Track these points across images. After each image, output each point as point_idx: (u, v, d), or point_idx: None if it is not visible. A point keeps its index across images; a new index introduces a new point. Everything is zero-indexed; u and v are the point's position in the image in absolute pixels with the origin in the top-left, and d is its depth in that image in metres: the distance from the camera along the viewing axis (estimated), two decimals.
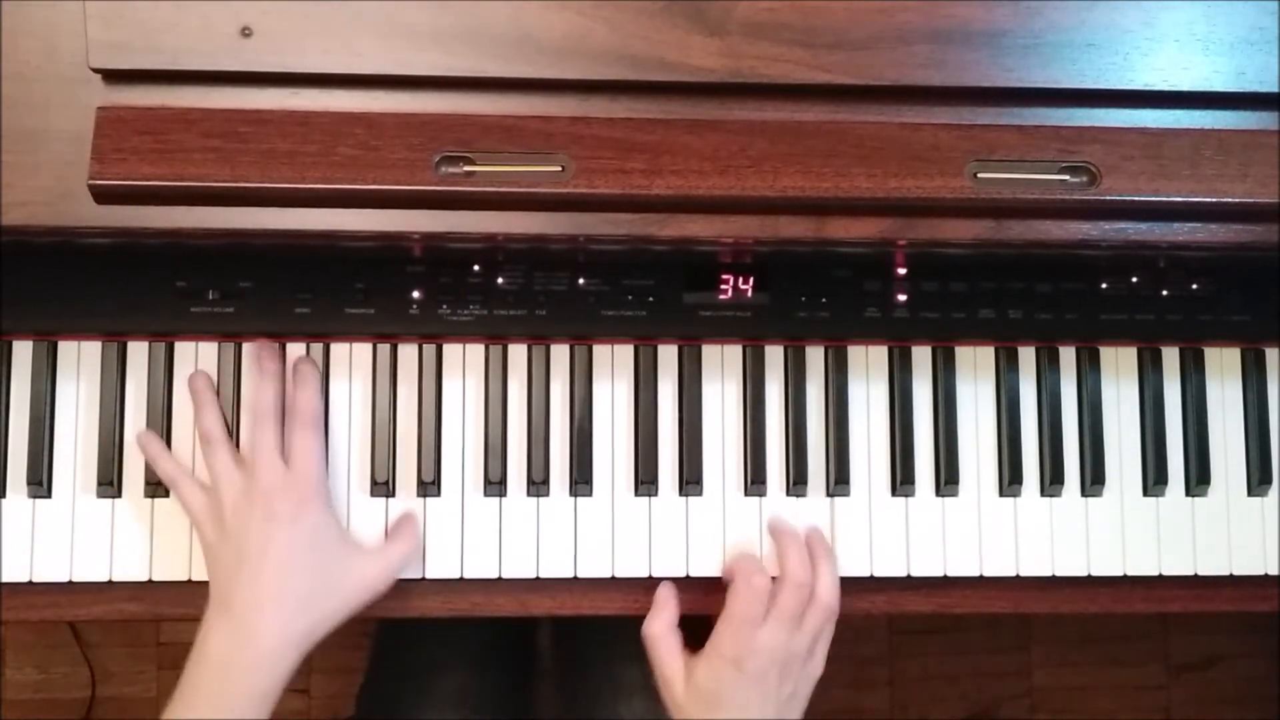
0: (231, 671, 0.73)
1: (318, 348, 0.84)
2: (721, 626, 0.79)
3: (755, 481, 0.86)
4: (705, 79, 0.76)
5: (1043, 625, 1.70)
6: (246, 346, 0.84)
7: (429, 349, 0.85)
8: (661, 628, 0.81)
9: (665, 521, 0.85)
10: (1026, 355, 0.89)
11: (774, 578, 0.81)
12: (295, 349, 0.84)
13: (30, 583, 0.81)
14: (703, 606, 0.83)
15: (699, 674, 0.78)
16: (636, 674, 0.96)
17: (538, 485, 0.85)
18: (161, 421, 0.83)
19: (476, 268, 0.84)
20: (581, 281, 0.84)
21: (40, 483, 0.82)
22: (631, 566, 0.85)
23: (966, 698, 1.69)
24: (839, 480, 0.86)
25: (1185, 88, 0.78)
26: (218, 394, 0.83)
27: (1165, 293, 0.88)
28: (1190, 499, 0.89)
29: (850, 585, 0.86)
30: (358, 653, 1.07)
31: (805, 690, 0.80)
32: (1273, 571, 0.88)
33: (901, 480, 0.87)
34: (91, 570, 0.82)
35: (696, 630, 0.81)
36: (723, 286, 0.85)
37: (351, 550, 0.80)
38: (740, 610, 0.78)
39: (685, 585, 0.84)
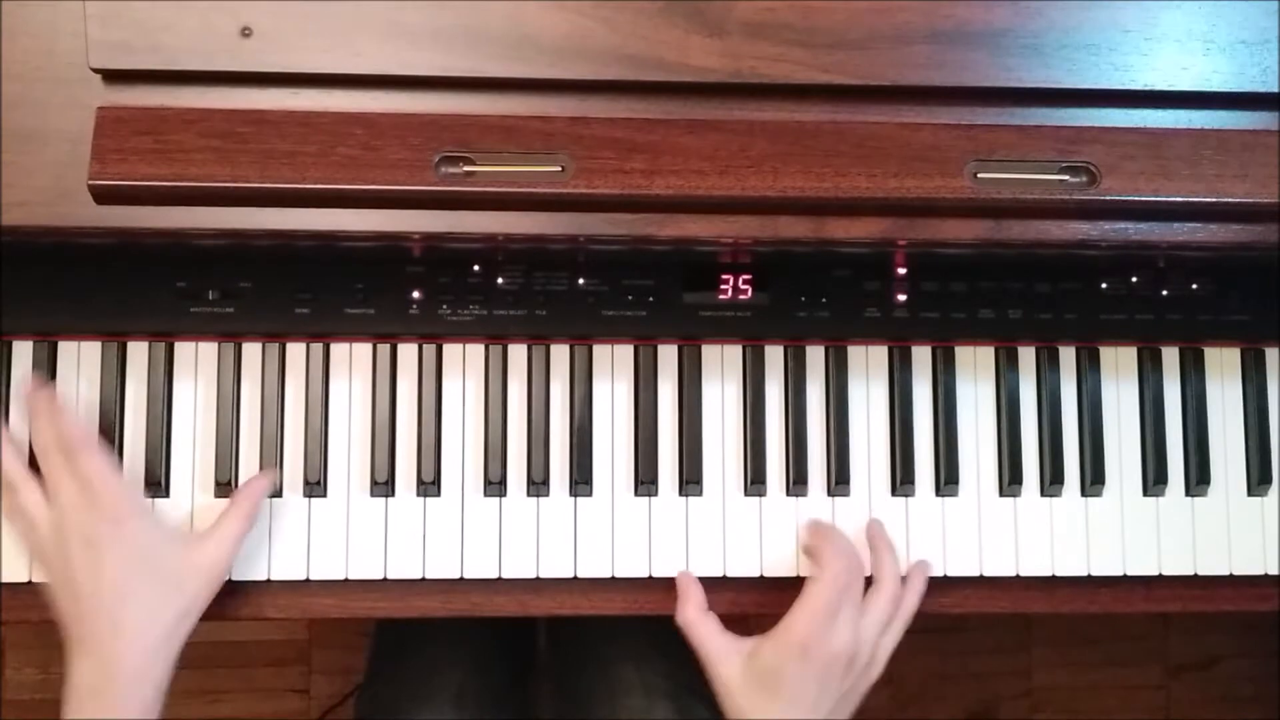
0: (106, 700, 0.72)
1: (318, 348, 0.84)
2: (797, 611, 0.77)
3: (755, 481, 0.86)
4: (705, 79, 0.76)
5: (1043, 625, 1.70)
6: (247, 347, 0.84)
7: (429, 349, 0.85)
8: (695, 612, 0.81)
9: (665, 521, 0.85)
10: (1026, 355, 0.89)
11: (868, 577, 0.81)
12: (295, 349, 0.84)
13: (30, 583, 0.81)
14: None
15: (764, 653, 0.77)
16: (634, 674, 0.96)
17: (538, 485, 0.85)
18: (162, 421, 0.83)
19: (476, 268, 0.84)
20: (581, 281, 0.84)
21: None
22: (631, 566, 0.85)
23: (966, 698, 1.69)
24: (839, 480, 0.86)
25: (1185, 88, 0.78)
26: (216, 393, 0.83)
27: (1165, 292, 0.88)
28: (1190, 499, 0.89)
29: None
30: (357, 653, 1.07)
31: (863, 687, 0.80)
32: (1272, 571, 0.88)
33: (901, 480, 0.87)
34: None
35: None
36: (723, 286, 0.85)
37: (183, 543, 0.78)
38: (819, 599, 0.77)
39: None
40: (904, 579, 0.84)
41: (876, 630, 0.80)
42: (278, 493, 0.83)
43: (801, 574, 0.85)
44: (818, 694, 0.76)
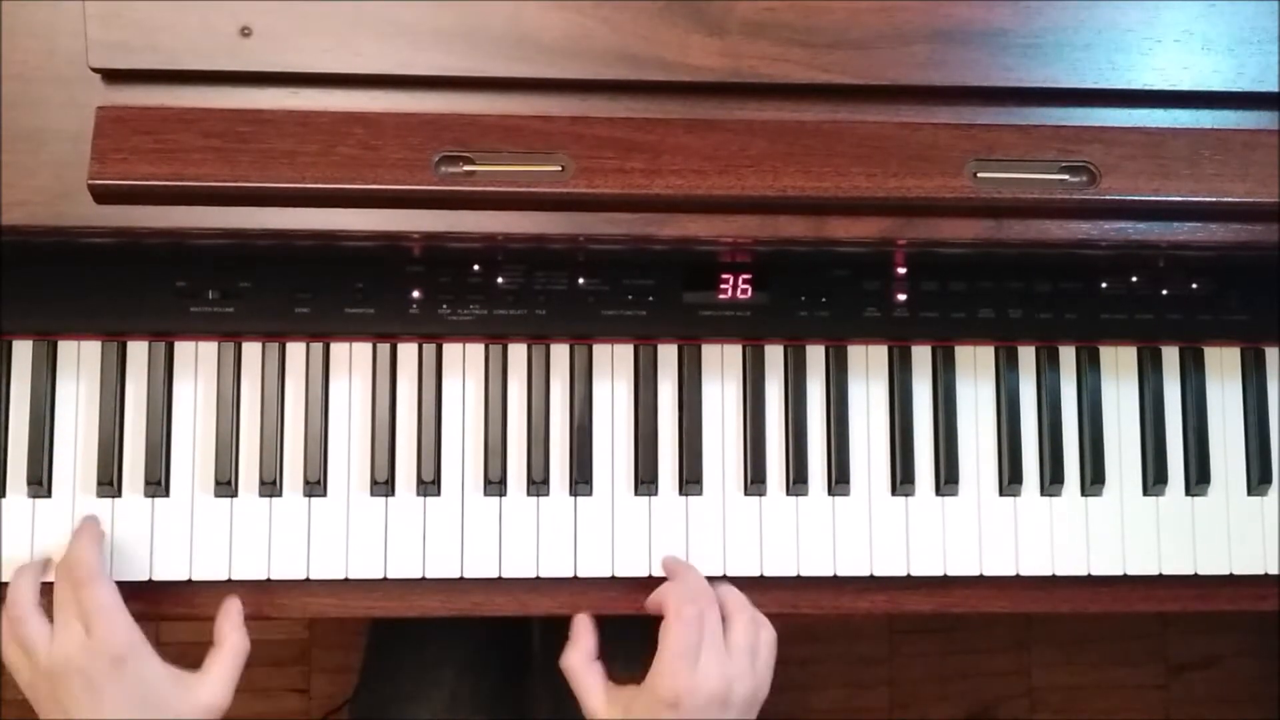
0: None
1: (318, 347, 0.84)
2: (657, 665, 0.76)
3: (755, 481, 0.86)
4: (705, 79, 0.76)
5: (1043, 625, 1.70)
6: (247, 347, 0.84)
7: (429, 349, 0.85)
8: (580, 659, 0.80)
9: (665, 521, 0.85)
10: (1026, 355, 0.89)
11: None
12: (295, 348, 0.84)
13: None
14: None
15: (635, 715, 0.76)
16: (630, 675, 0.96)
17: (538, 485, 0.85)
18: (161, 421, 0.83)
19: (476, 267, 0.84)
20: (581, 281, 0.84)
21: (40, 482, 0.82)
22: (631, 566, 0.85)
23: (966, 698, 1.69)
24: (839, 480, 0.86)
25: (1185, 88, 0.79)
26: (216, 393, 0.83)
27: (1165, 292, 0.88)
28: (1190, 498, 0.89)
29: (850, 585, 0.86)
30: (357, 653, 1.07)
31: (750, 716, 0.78)
32: (1272, 571, 0.88)
33: (901, 480, 0.87)
34: None
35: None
36: (723, 286, 0.85)
37: (182, 685, 0.75)
38: (673, 646, 0.75)
39: None
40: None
41: (746, 658, 0.77)
42: (278, 492, 0.83)
43: (802, 574, 0.85)
44: None
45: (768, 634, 0.80)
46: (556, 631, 0.99)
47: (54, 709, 0.73)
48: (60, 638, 0.73)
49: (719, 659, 0.76)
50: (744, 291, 0.85)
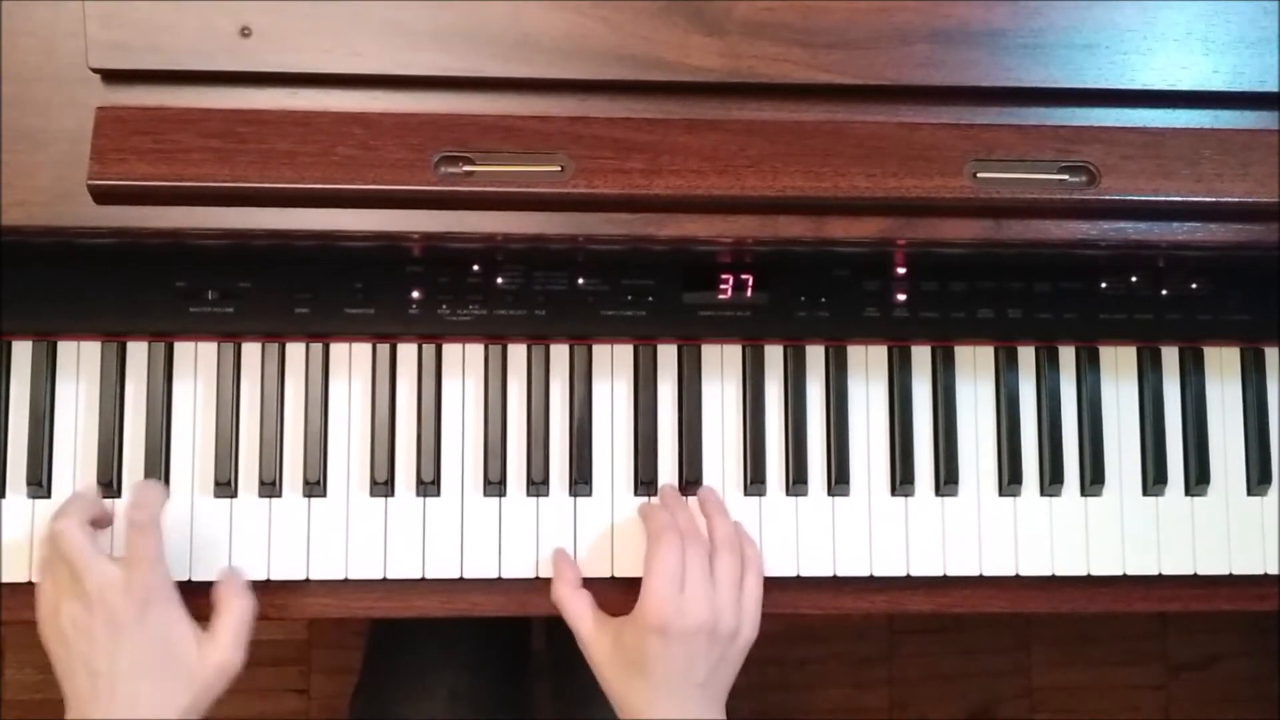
0: None
1: (317, 347, 0.84)
2: (644, 592, 0.78)
3: (755, 481, 0.86)
4: (704, 79, 0.76)
5: (1043, 625, 1.70)
6: (246, 347, 0.84)
7: (428, 349, 0.85)
8: (566, 589, 0.81)
9: None
10: (1026, 355, 0.89)
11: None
12: (295, 349, 0.84)
13: (30, 583, 0.81)
14: None
15: (626, 637, 0.78)
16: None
17: (537, 485, 0.85)
18: (161, 422, 0.83)
19: (476, 268, 0.84)
20: (581, 281, 0.84)
21: (40, 483, 0.82)
22: (631, 566, 0.84)
23: (966, 698, 1.69)
24: (839, 480, 0.86)
25: (1185, 87, 0.78)
26: (216, 393, 0.83)
27: (1164, 292, 0.88)
28: (1190, 499, 0.89)
29: (850, 585, 0.86)
30: (357, 653, 1.07)
31: (736, 651, 0.79)
32: (1272, 571, 0.88)
33: (901, 480, 0.87)
34: None
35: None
36: (722, 286, 0.85)
37: (201, 641, 0.76)
38: (660, 574, 0.77)
39: None
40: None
41: (731, 591, 0.79)
42: (277, 493, 0.83)
43: (802, 574, 0.85)
44: (686, 668, 0.76)
45: (754, 578, 0.81)
46: (556, 632, 0.99)
47: (78, 642, 0.73)
48: (100, 569, 0.74)
49: (705, 594, 0.77)
50: (744, 292, 0.85)
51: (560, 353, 0.86)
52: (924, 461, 0.87)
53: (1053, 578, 0.87)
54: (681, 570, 0.77)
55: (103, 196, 0.73)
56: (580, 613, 0.81)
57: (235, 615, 0.78)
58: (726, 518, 0.83)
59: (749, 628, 0.80)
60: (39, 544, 0.79)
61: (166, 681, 0.74)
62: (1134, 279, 0.87)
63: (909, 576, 0.86)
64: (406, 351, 0.85)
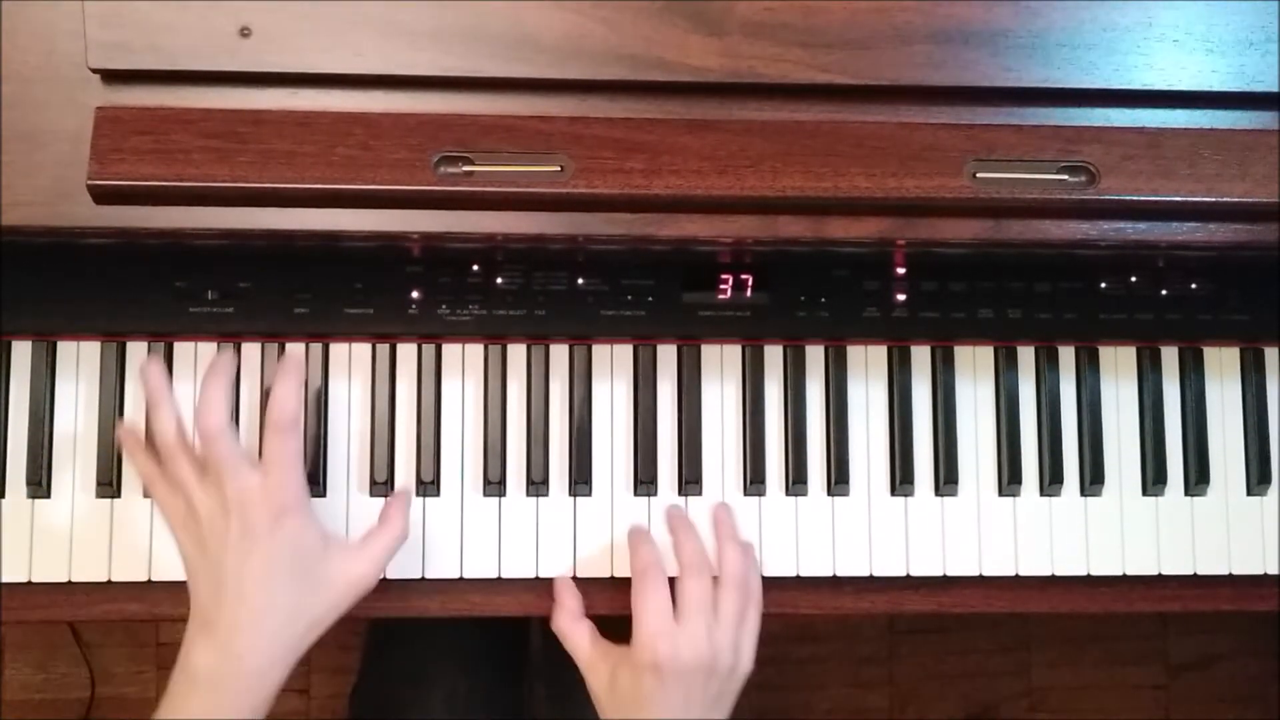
0: (219, 690, 0.72)
1: (316, 348, 0.84)
2: (637, 631, 0.77)
3: (754, 481, 0.86)
4: (704, 79, 0.76)
5: (1043, 625, 1.70)
6: (246, 347, 0.84)
7: (428, 349, 0.85)
8: (568, 621, 0.81)
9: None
10: (1026, 355, 0.89)
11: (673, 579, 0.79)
12: (295, 349, 0.84)
13: (29, 583, 0.81)
14: None
15: (621, 680, 0.77)
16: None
17: (537, 485, 0.85)
18: None
19: (475, 268, 0.84)
20: (581, 281, 0.84)
21: (40, 483, 0.82)
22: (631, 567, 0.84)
23: (966, 698, 1.69)
24: (838, 480, 0.86)
25: (1185, 88, 0.78)
26: None
27: (1164, 292, 0.88)
28: (1189, 498, 0.89)
29: (850, 585, 0.86)
30: (357, 653, 1.07)
31: (733, 688, 0.79)
32: (1272, 571, 0.88)
33: (901, 480, 0.86)
34: (91, 570, 0.82)
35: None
36: (722, 286, 0.85)
37: (334, 552, 0.77)
38: (648, 611, 0.77)
39: None
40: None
41: (733, 630, 0.78)
42: None
43: (801, 574, 0.85)
44: (683, 707, 0.76)
45: (755, 611, 0.80)
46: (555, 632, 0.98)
47: (210, 549, 0.73)
48: (232, 473, 0.73)
49: (704, 624, 0.77)
50: (743, 292, 0.85)
51: (560, 353, 0.86)
52: (924, 461, 0.87)
53: (1053, 578, 0.87)
54: (669, 606, 0.77)
55: (102, 196, 0.73)
56: (581, 644, 0.80)
57: (390, 534, 0.79)
58: (737, 546, 0.81)
59: (746, 662, 0.79)
60: (143, 450, 0.77)
61: (295, 595, 0.74)
62: (1134, 279, 0.87)
63: (909, 576, 0.86)
64: (406, 351, 0.85)
